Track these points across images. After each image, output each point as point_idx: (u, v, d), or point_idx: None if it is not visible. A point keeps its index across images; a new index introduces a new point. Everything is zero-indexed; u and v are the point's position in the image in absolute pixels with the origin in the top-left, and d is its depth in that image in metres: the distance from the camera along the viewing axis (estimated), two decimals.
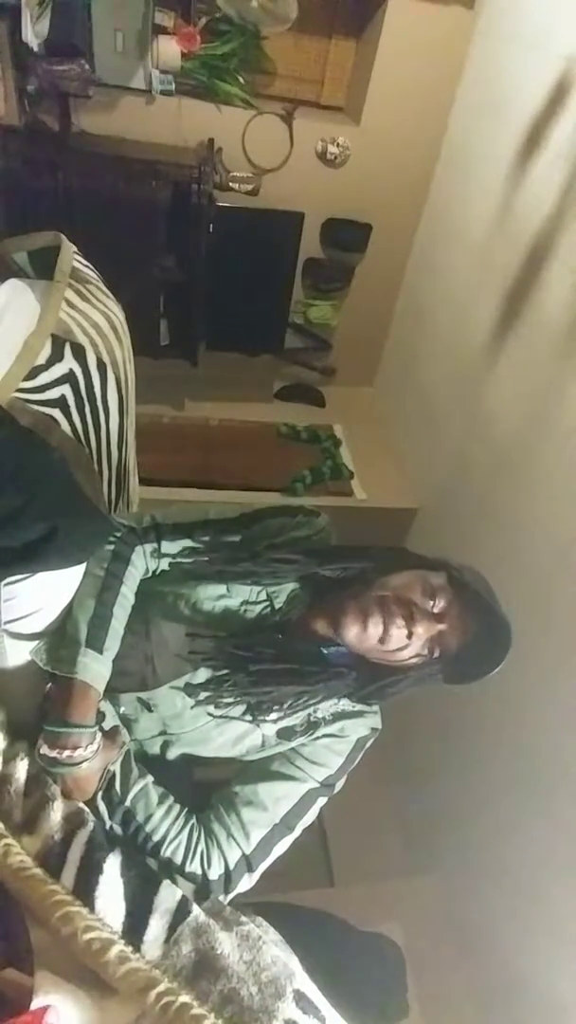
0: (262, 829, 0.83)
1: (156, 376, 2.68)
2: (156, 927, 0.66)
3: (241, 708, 0.87)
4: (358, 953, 2.02)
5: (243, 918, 0.70)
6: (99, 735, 0.80)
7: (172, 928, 0.66)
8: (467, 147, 2.70)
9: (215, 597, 0.91)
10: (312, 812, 0.87)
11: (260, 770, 0.88)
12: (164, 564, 0.96)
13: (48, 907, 0.63)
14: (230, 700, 0.86)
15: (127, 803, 0.81)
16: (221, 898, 0.81)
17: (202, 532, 0.97)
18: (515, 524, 2.19)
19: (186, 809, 0.85)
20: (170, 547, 0.96)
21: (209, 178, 2.48)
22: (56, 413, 1.03)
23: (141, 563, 0.95)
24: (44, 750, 0.77)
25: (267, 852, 0.83)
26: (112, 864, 0.70)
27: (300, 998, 0.64)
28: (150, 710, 0.88)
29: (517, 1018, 2.04)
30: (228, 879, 0.81)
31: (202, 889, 0.80)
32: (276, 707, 0.86)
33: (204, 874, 0.80)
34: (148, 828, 0.80)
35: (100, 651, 0.83)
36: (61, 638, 0.85)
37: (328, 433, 3.26)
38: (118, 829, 0.81)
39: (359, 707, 0.91)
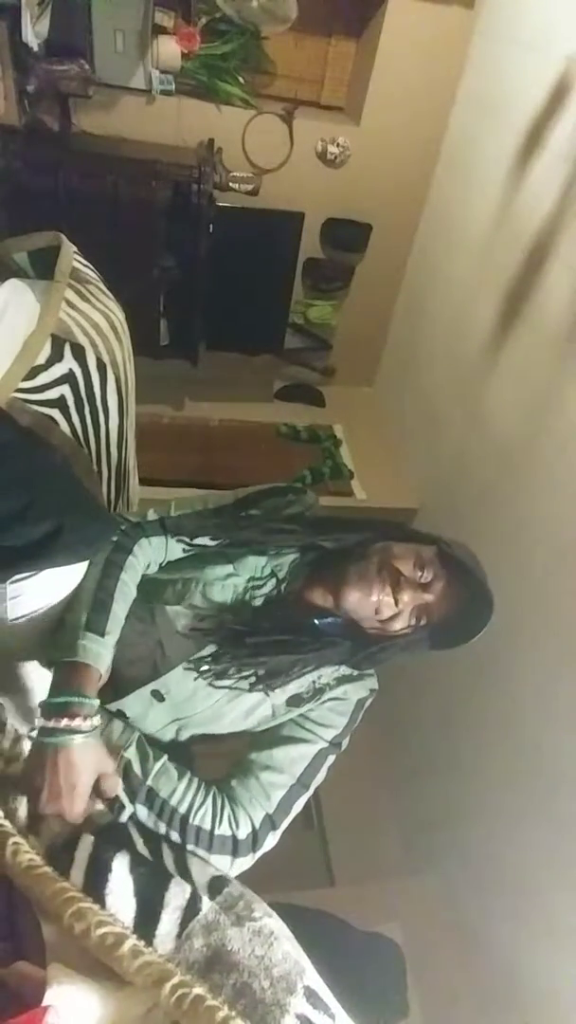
0: (281, 789, 0.88)
1: (156, 376, 2.67)
2: (168, 922, 0.67)
3: (247, 681, 0.90)
4: (358, 953, 2.02)
5: (256, 913, 0.71)
6: (99, 717, 0.79)
7: (183, 924, 0.68)
8: (467, 147, 2.70)
9: (223, 576, 0.94)
10: (323, 770, 0.92)
11: (273, 736, 0.92)
12: (171, 555, 0.99)
13: (60, 903, 0.64)
14: (233, 672, 0.90)
15: (148, 782, 0.83)
16: (250, 856, 0.85)
17: (204, 518, 1.01)
18: (515, 524, 2.19)
19: (204, 781, 0.87)
20: (176, 536, 0.98)
21: (209, 178, 2.48)
22: (55, 413, 1.03)
23: (143, 555, 0.96)
24: (40, 722, 0.77)
25: (288, 810, 0.88)
26: (120, 863, 0.71)
27: (311, 994, 0.65)
28: (161, 700, 0.90)
29: (517, 1018, 2.04)
30: (255, 838, 0.85)
31: (233, 849, 0.84)
32: (276, 676, 0.90)
33: (234, 835, 0.84)
34: (173, 801, 0.83)
35: (101, 634, 0.84)
36: (62, 627, 0.86)
37: (328, 433, 3.26)
38: (143, 810, 0.82)
39: (358, 671, 0.96)
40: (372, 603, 0.90)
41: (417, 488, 3.01)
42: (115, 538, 0.94)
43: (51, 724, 0.76)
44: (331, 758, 0.93)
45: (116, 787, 0.80)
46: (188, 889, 0.71)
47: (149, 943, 0.65)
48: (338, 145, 2.81)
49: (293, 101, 2.83)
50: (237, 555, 0.96)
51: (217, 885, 0.74)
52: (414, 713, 2.85)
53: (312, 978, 0.67)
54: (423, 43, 2.61)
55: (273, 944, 0.67)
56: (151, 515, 1.00)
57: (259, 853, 0.86)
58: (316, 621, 0.94)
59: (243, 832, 0.85)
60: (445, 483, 2.75)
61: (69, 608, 0.88)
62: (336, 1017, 0.65)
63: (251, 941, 0.67)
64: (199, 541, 0.98)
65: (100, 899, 0.66)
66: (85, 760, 0.76)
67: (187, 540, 0.98)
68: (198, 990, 0.59)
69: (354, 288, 3.24)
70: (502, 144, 2.34)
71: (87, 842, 0.72)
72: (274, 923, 0.70)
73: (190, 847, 0.82)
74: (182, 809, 0.83)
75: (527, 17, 2.30)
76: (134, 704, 0.90)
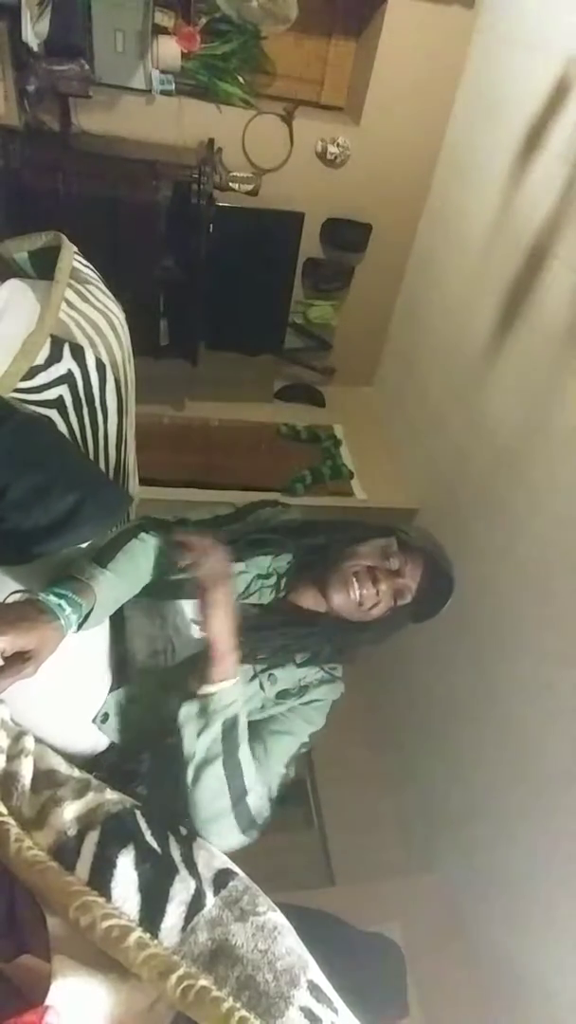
0: (279, 778, 0.99)
1: (156, 376, 2.67)
2: (173, 915, 0.68)
3: (250, 673, 1.00)
4: (358, 953, 2.02)
5: (260, 907, 0.71)
6: (74, 625, 0.86)
7: (188, 918, 0.68)
8: (467, 147, 2.70)
9: (236, 573, 1.05)
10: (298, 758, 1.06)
11: (270, 728, 1.03)
12: None
13: (66, 897, 0.65)
14: (243, 661, 0.98)
15: (240, 745, 0.90)
16: (258, 831, 0.93)
17: (218, 524, 1.14)
18: (515, 524, 2.19)
19: None
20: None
21: (209, 178, 2.48)
22: (53, 414, 1.03)
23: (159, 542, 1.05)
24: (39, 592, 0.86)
25: (279, 791, 1.00)
26: (126, 858, 0.71)
27: (314, 988, 0.66)
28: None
29: (517, 1018, 2.04)
30: (264, 818, 0.95)
31: (251, 823, 0.92)
32: (279, 666, 1.02)
33: (259, 814, 0.93)
34: (245, 770, 0.90)
35: (104, 566, 0.94)
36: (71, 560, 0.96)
37: (328, 433, 3.26)
38: (217, 772, 0.87)
39: (335, 673, 1.10)
40: (354, 600, 1.05)
41: (417, 488, 3.01)
42: (138, 524, 1.04)
43: (47, 597, 0.84)
44: (305, 751, 1.06)
45: (30, 675, 0.83)
46: (193, 884, 0.72)
47: (154, 936, 0.65)
48: (338, 145, 2.81)
49: (293, 101, 2.83)
50: (247, 555, 1.08)
51: (222, 879, 0.75)
52: (414, 714, 2.86)
53: (315, 972, 0.68)
54: (423, 43, 2.61)
55: (277, 938, 0.68)
56: (173, 519, 1.12)
57: (261, 831, 0.95)
58: (312, 621, 1.08)
59: (260, 814, 0.94)
60: (445, 483, 2.75)
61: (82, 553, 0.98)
62: (339, 1011, 0.66)
63: (255, 935, 0.68)
64: None
65: (106, 893, 0.67)
66: (49, 641, 0.82)
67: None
68: (203, 982, 0.60)
69: (354, 288, 3.24)
70: (502, 144, 2.34)
71: (92, 837, 0.72)
72: (278, 918, 0.71)
73: (230, 817, 0.88)
74: (247, 782, 0.90)
75: (527, 17, 2.30)
76: (147, 690, 0.97)
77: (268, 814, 0.95)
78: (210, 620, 0.88)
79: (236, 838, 0.90)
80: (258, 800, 0.92)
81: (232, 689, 0.88)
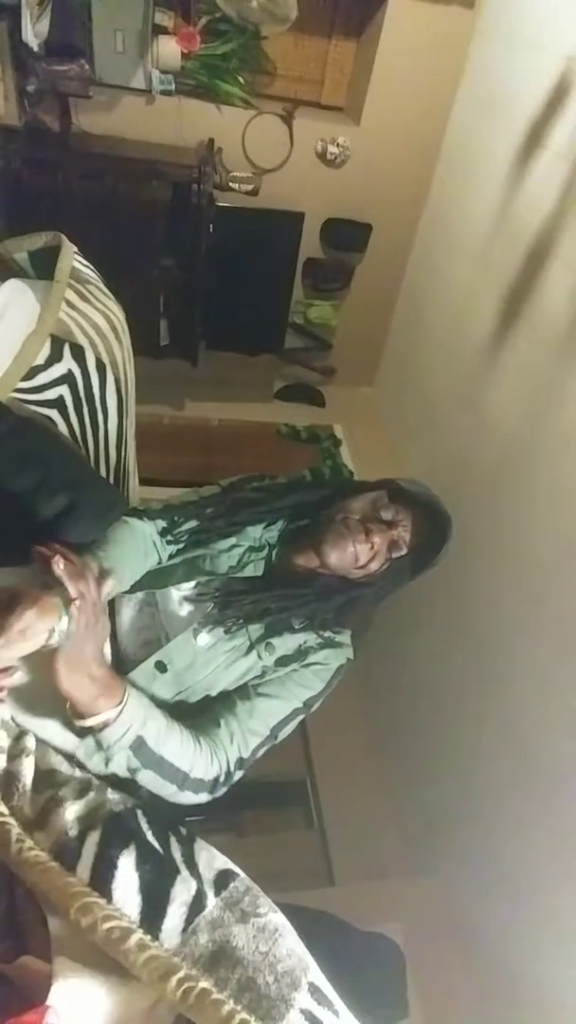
0: (258, 738, 0.97)
1: (156, 376, 2.67)
2: (174, 917, 0.68)
3: (246, 645, 0.99)
4: (358, 953, 2.02)
5: (261, 909, 0.71)
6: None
7: (189, 919, 0.68)
8: (467, 147, 2.70)
9: (228, 548, 1.06)
10: (292, 726, 1.03)
11: (259, 691, 1.01)
12: (176, 534, 1.09)
13: (67, 898, 0.65)
14: (234, 627, 0.98)
15: (160, 753, 0.86)
16: (223, 791, 0.93)
17: (200, 505, 1.13)
18: (515, 524, 2.19)
19: (187, 728, 0.92)
20: (182, 523, 1.09)
21: (209, 178, 2.48)
22: (54, 414, 1.03)
23: (147, 525, 1.05)
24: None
25: (255, 755, 0.98)
26: (127, 859, 0.71)
27: (315, 990, 0.65)
28: (164, 671, 0.96)
29: (517, 1018, 2.04)
30: (229, 777, 0.94)
31: (212, 787, 0.92)
32: (276, 631, 1.00)
33: (216, 777, 0.92)
34: (178, 764, 0.88)
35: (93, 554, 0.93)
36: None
37: (328, 433, 3.26)
38: (148, 773, 0.86)
39: (338, 638, 1.07)
40: (350, 554, 1.03)
41: None
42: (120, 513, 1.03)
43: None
44: (300, 716, 1.03)
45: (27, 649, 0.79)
46: (194, 885, 0.72)
47: (155, 938, 0.65)
48: (338, 145, 2.81)
49: (293, 101, 2.83)
50: (236, 528, 1.07)
51: (223, 880, 0.75)
52: (414, 714, 2.85)
53: (316, 974, 0.68)
54: (423, 43, 2.62)
55: (278, 940, 0.68)
56: (155, 506, 1.11)
57: (228, 786, 0.95)
58: (307, 582, 1.06)
59: (223, 773, 0.93)
60: (445, 483, 2.75)
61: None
62: (340, 1013, 0.66)
63: (256, 937, 0.68)
64: (196, 523, 1.09)
65: (107, 894, 0.67)
66: (47, 617, 0.77)
67: (189, 521, 1.09)
68: (204, 984, 0.60)
69: (354, 288, 3.24)
70: (502, 144, 2.34)
71: (93, 837, 0.72)
72: (279, 919, 0.71)
73: (184, 792, 0.88)
74: (185, 768, 0.88)
75: (527, 17, 2.30)
76: (139, 678, 0.95)
77: (236, 770, 0.94)
78: (61, 668, 0.78)
79: (199, 799, 0.91)
80: (211, 765, 0.90)
81: (119, 722, 0.81)
